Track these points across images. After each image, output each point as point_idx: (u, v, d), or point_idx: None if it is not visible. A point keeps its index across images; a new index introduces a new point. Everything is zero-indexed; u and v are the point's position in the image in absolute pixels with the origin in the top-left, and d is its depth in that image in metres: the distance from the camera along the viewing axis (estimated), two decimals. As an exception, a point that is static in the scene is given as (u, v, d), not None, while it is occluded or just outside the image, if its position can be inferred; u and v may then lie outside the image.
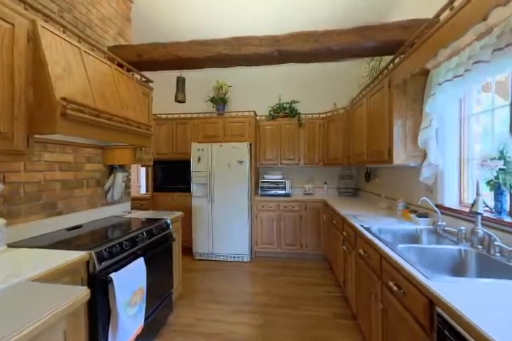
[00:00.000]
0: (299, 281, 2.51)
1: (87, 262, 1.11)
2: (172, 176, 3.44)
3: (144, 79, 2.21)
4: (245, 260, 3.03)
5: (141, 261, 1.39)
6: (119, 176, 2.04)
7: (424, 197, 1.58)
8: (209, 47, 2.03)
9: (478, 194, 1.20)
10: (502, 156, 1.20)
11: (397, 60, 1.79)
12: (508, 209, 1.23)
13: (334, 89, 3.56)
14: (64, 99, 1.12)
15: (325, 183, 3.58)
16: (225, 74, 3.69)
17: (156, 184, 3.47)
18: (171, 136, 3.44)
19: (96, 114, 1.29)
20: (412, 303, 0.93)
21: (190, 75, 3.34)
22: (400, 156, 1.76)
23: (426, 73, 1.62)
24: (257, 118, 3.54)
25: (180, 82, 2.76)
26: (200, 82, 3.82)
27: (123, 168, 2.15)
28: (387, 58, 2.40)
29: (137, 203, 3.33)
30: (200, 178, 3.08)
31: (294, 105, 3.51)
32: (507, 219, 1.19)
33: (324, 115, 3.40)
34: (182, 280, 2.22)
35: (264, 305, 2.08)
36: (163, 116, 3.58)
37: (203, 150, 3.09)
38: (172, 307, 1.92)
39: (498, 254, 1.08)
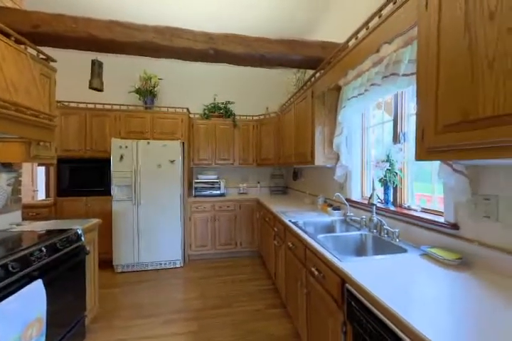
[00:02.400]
0: (234, 279, 2.55)
1: None
2: (84, 177, 2.88)
3: (43, 57, 1.78)
4: (178, 265, 2.86)
5: (37, 284, 1.11)
6: (3, 178, 1.58)
7: (337, 193, 1.89)
8: (136, 32, 1.81)
9: (373, 189, 1.52)
10: (388, 159, 1.55)
11: (317, 75, 2.06)
12: (391, 200, 1.61)
13: (267, 94, 3.79)
14: None
15: (258, 182, 3.77)
16: (157, 64, 3.39)
17: (62, 187, 2.83)
18: (84, 129, 2.87)
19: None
20: (329, 284, 1.09)
21: (112, 60, 2.90)
22: (320, 158, 2.04)
23: (339, 88, 1.93)
24: (191, 116, 3.40)
25: (97, 67, 2.35)
26: (124, 69, 3.37)
27: (9, 167, 1.67)
28: (310, 71, 2.72)
29: (33, 212, 2.65)
30: (124, 179, 2.71)
31: (229, 106, 3.54)
32: (391, 207, 1.55)
33: (257, 118, 3.57)
34: (99, 299, 1.90)
35: (199, 309, 2.02)
36: (73, 105, 2.97)
37: (126, 147, 2.72)
38: (85, 334, 1.62)
39: (386, 236, 1.39)
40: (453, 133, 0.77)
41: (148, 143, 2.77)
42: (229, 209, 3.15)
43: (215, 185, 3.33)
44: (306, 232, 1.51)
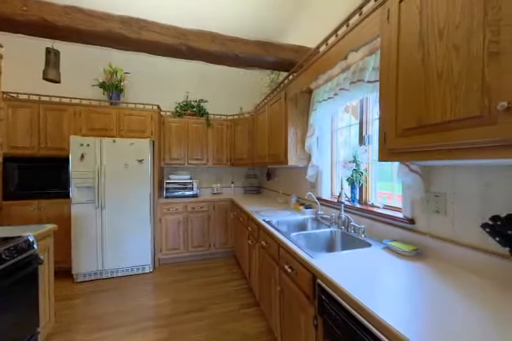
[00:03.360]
0: (208, 282, 2.50)
1: None
2: (37, 178, 2.58)
3: (-15, 41, 1.56)
4: (147, 271, 2.71)
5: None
6: None
7: (309, 192, 1.96)
8: (99, 20, 1.68)
9: (342, 188, 1.62)
10: (355, 160, 1.66)
11: (290, 77, 2.12)
12: (358, 198, 1.72)
13: (241, 94, 3.79)
14: None
15: (232, 183, 3.75)
16: (124, 57, 3.18)
17: (9, 189, 2.51)
18: (36, 124, 2.57)
19: None
20: (301, 280, 1.13)
21: (73, 49, 2.66)
22: (293, 158, 2.10)
23: (310, 91, 2.01)
24: (162, 113, 3.25)
25: (52, 56, 2.12)
26: (88, 60, 3.11)
27: None
28: (283, 73, 2.78)
29: (-28, 218, 2.30)
30: (85, 180, 2.49)
31: (202, 104, 3.47)
32: (357, 205, 1.65)
33: (231, 117, 3.55)
34: (56, 312, 1.73)
35: (170, 315, 1.94)
36: (24, 97, 2.64)
37: (88, 145, 2.50)
38: (39, 352, 1.46)
39: (353, 231, 1.49)
40: (410, 136, 0.86)
41: (114, 141, 2.59)
42: (202, 210, 3.08)
43: (188, 186, 3.23)
44: (279, 231, 1.54)
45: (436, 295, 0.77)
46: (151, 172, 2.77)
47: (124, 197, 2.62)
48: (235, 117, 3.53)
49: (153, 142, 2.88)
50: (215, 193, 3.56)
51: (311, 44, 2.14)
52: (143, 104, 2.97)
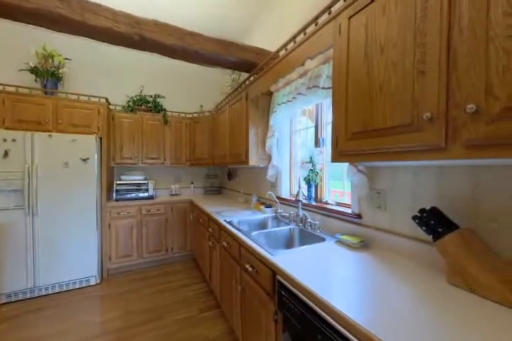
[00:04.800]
0: (165, 288, 2.36)
1: None
2: None
3: None
4: (93, 283, 2.42)
5: None
6: None
7: (269, 192, 2.02)
8: (29, -5, 1.44)
9: (299, 187, 1.70)
10: (311, 161, 1.77)
11: (251, 79, 2.14)
12: (314, 196, 1.84)
13: (201, 92, 3.68)
14: None
15: (192, 183, 3.62)
16: (66, 41, 2.79)
17: None
18: None
19: None
20: (262, 278, 1.16)
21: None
22: (254, 159, 2.13)
23: (271, 94, 2.07)
24: (111, 107, 2.95)
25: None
26: (16, 41, 2.63)
27: None
28: (245, 74, 2.80)
29: None
30: (10, 182, 2.10)
31: (158, 100, 3.26)
32: (313, 203, 1.77)
33: (191, 115, 3.42)
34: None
35: (121, 329, 1.77)
36: None
37: (14, 140, 2.11)
38: None
39: (309, 228, 1.58)
40: (357, 140, 0.95)
41: (50, 136, 2.24)
42: (159, 212, 2.89)
43: (142, 187, 3.00)
44: (240, 231, 1.55)
45: (378, 279, 0.87)
46: (98, 172, 2.49)
47: (64, 202, 2.29)
48: (195, 115, 3.41)
49: (101, 139, 2.59)
50: (173, 194, 3.38)
51: (272, 48, 2.21)
52: (88, 95, 2.64)
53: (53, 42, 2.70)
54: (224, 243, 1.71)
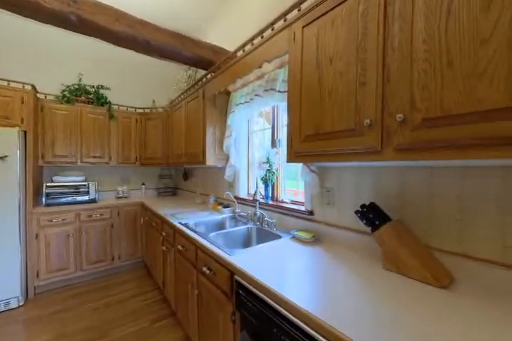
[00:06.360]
0: (111, 302, 2.13)
1: None
2: None
3: None
4: (14, 305, 2.02)
5: None
6: None
7: (227, 192, 2.00)
8: None
9: (257, 186, 1.74)
10: (268, 161, 1.82)
11: (209, 76, 2.09)
12: (270, 195, 1.90)
13: (154, 86, 3.43)
14: None
15: (143, 184, 3.34)
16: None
17: None
18: None
19: None
20: (220, 279, 1.14)
21: None
22: (211, 158, 2.09)
23: (229, 93, 2.06)
24: (40, 96, 2.52)
25: None
26: None
27: None
28: (202, 71, 2.73)
29: None
30: None
31: (102, 91, 2.91)
32: (270, 202, 1.82)
33: (142, 111, 3.16)
34: None
35: (54, 354, 1.53)
36: None
37: None
38: None
39: (266, 226, 1.63)
40: (310, 142, 1.02)
41: (-49, 128, 1.79)
42: (102, 217, 2.59)
43: (82, 189, 2.64)
44: (197, 232, 1.50)
45: (328, 270, 0.95)
46: (21, 172, 2.09)
47: (-28, 209, 1.85)
48: (147, 111, 3.16)
49: (25, 133, 2.18)
50: (120, 197, 3.07)
51: (230, 47, 2.20)
52: (8, 80, 2.20)
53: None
54: (179, 246, 1.63)
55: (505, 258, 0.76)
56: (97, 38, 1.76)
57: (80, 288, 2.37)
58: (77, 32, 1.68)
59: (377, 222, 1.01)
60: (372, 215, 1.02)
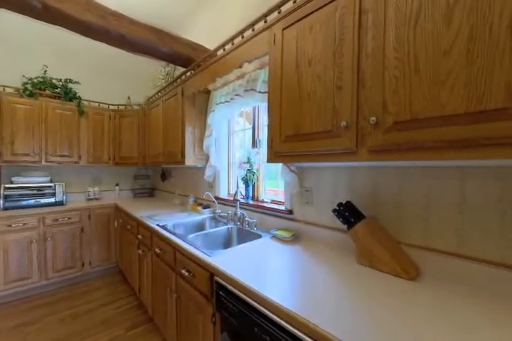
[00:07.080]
0: (79, 311, 1.98)
1: None
2: None
3: None
4: (-34, 320, 1.81)
5: None
6: None
7: (207, 192, 1.97)
8: None
9: (237, 187, 1.73)
10: (249, 161, 1.82)
11: (188, 74, 2.04)
12: (251, 195, 1.90)
13: (129, 82, 3.27)
14: None
15: (117, 185, 3.17)
16: None
17: None
18: None
19: None
20: (199, 281, 1.12)
21: None
22: (191, 158, 2.04)
23: (209, 92, 2.02)
24: (-2, 88, 2.28)
25: None
26: None
27: None
28: (181, 68, 2.65)
29: None
30: None
31: (71, 86, 2.71)
32: (251, 201, 1.83)
33: (116, 107, 2.99)
34: None
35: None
36: None
37: None
38: None
39: (247, 226, 1.63)
40: (290, 142, 1.04)
41: None
42: (70, 221, 2.41)
43: (47, 191, 2.43)
44: (175, 234, 1.45)
45: (306, 267, 0.97)
46: (-24, 173, 1.88)
47: None
48: (121, 108, 3.00)
49: (-20, 129, 1.96)
50: (91, 198, 2.88)
51: (209, 45, 2.16)
52: (-43, 69, 1.96)
53: None
54: (157, 249, 1.57)
55: (459, 249, 0.84)
56: (62, 27, 1.64)
57: (44, 298, 2.18)
58: (39, 19, 1.55)
59: (352, 220, 1.05)
60: (348, 213, 1.07)
